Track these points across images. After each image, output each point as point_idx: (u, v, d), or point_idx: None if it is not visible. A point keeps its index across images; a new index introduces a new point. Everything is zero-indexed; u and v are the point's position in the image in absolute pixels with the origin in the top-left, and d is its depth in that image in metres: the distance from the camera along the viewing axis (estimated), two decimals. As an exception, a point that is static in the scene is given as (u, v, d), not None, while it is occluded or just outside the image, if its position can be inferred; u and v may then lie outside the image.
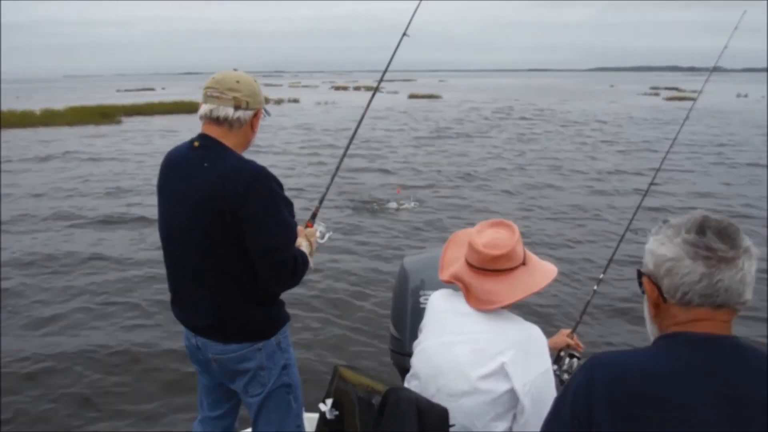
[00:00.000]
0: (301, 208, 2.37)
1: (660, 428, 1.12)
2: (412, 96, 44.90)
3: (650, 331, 1.35)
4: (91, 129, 23.07)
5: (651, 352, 1.25)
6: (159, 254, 2.28)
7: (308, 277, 2.23)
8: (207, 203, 1.98)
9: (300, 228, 2.29)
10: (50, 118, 24.99)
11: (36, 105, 29.98)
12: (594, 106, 35.35)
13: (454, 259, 2.20)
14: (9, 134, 20.59)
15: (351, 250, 7.37)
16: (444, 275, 2.16)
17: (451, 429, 1.83)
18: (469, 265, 2.07)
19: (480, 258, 2.03)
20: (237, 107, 2.04)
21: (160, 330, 5.23)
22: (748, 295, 1.21)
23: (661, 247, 1.25)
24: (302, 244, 2.20)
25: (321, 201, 2.63)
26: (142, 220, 9.00)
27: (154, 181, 2.20)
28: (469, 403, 1.93)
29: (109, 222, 9.03)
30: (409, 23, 3.03)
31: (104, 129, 23.07)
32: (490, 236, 2.06)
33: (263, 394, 2.19)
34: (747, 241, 1.22)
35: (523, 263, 2.06)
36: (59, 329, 5.30)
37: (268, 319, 2.18)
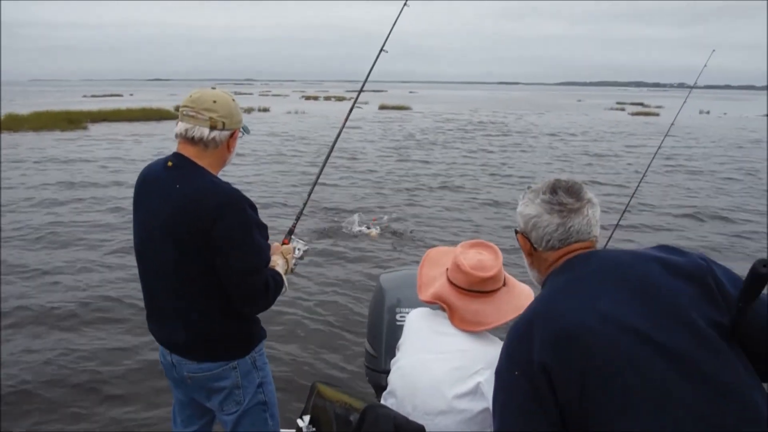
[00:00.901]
0: (268, 216, 2.36)
1: (576, 330, 1.30)
2: (382, 107, 45.00)
3: (532, 276, 1.64)
4: (56, 134, 22.61)
5: (541, 296, 1.50)
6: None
7: (288, 292, 2.23)
8: (178, 225, 1.97)
9: (276, 245, 2.29)
10: (14, 124, 24.41)
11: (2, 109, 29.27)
12: (564, 119, 35.98)
13: (431, 278, 2.22)
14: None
15: (329, 264, 7.35)
16: (424, 295, 2.17)
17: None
18: (454, 285, 2.09)
19: (467, 280, 2.05)
20: (213, 128, 2.02)
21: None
22: (596, 232, 1.54)
23: (526, 208, 1.56)
24: (278, 262, 2.20)
25: (298, 217, 2.63)
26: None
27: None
28: (445, 422, 1.94)
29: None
30: (387, 39, 3.07)
31: (70, 135, 22.64)
32: (475, 258, 2.09)
33: (239, 412, 2.19)
34: (589, 194, 1.54)
35: (504, 284, 2.11)
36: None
37: (243, 337, 2.17)
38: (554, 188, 1.53)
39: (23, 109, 30.64)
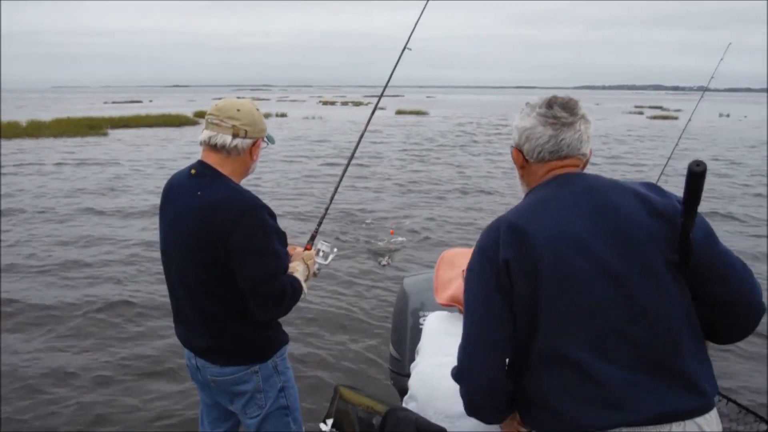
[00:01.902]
0: (287, 221, 2.36)
1: (541, 239, 1.47)
2: (399, 112, 45.00)
3: (522, 190, 1.72)
4: (77, 140, 22.94)
5: (521, 202, 1.63)
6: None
7: (311, 294, 2.24)
8: (199, 232, 2.01)
9: (299, 249, 2.31)
10: (36, 130, 24.81)
11: (23, 116, 29.74)
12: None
13: (447, 280, 2.22)
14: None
15: (351, 270, 7.36)
16: (441, 298, 2.18)
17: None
18: None
19: None
20: (235, 135, 2.07)
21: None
22: (586, 149, 1.62)
23: (522, 121, 1.64)
24: (297, 268, 2.22)
25: (320, 222, 2.65)
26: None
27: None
28: (467, 424, 1.94)
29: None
30: (410, 36, 3.06)
31: (90, 140, 22.96)
32: None
33: (261, 416, 2.21)
34: (583, 111, 1.61)
35: None
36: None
37: (265, 342, 2.20)
38: (550, 103, 1.61)
39: (46, 115, 31.07)
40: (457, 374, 1.63)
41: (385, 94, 3.00)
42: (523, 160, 1.66)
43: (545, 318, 1.47)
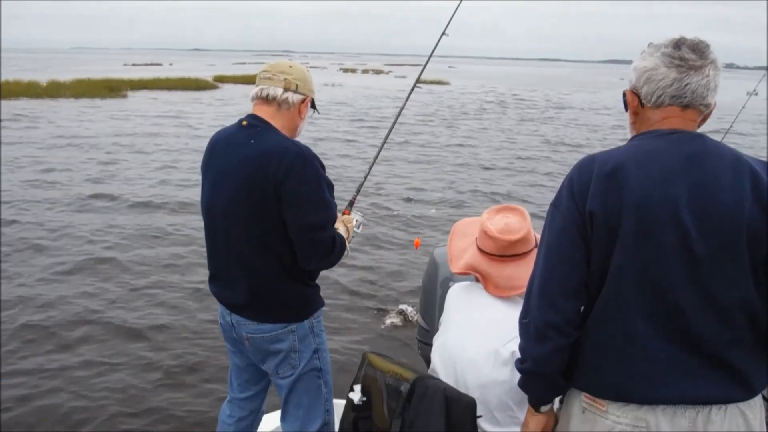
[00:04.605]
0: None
1: (632, 196, 1.37)
2: (420, 81, 44.43)
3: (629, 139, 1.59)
4: (96, 102, 23.02)
5: (623, 146, 1.50)
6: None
7: (339, 264, 2.24)
8: (251, 179, 2.02)
9: (338, 215, 2.30)
10: (56, 90, 24.91)
11: (44, 76, 29.85)
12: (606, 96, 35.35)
13: (461, 249, 2.20)
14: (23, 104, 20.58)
15: (381, 241, 7.37)
16: (456, 267, 2.17)
17: (478, 419, 1.84)
18: (484, 253, 2.07)
19: (496, 245, 2.03)
20: (286, 89, 2.11)
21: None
22: (711, 99, 1.46)
23: (642, 62, 1.49)
24: (339, 228, 2.22)
25: (358, 190, 2.66)
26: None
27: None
28: (488, 395, 1.94)
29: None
30: (449, 22, 3.05)
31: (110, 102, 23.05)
32: (502, 222, 2.07)
33: (294, 377, 2.21)
34: (714, 55, 1.45)
35: (536, 245, 2.07)
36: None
37: (304, 301, 2.20)
38: (678, 43, 1.45)
39: (65, 75, 31.15)
40: (526, 312, 1.55)
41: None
42: (638, 104, 1.52)
43: (613, 276, 1.41)
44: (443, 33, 3.05)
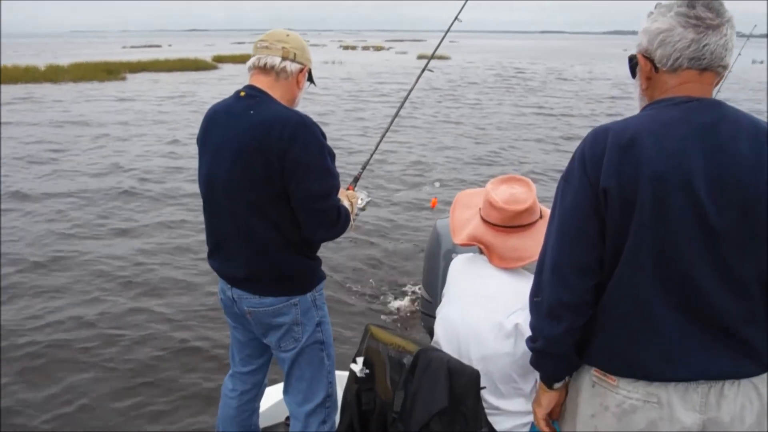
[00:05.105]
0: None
1: (648, 169, 1.32)
2: (421, 56, 44.21)
3: (640, 107, 1.51)
4: (95, 85, 22.94)
5: (637, 116, 1.43)
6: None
7: (341, 237, 2.22)
8: (252, 149, 1.99)
9: (342, 189, 2.27)
10: (54, 74, 24.79)
11: (41, 60, 29.73)
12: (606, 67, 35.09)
13: (464, 220, 2.18)
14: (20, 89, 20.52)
15: (384, 215, 7.39)
16: (458, 238, 2.14)
17: (482, 391, 1.83)
18: (489, 224, 2.04)
19: (501, 215, 2.00)
20: (284, 58, 2.09)
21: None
22: (728, 59, 1.39)
23: (654, 23, 1.40)
24: (344, 203, 2.20)
25: (364, 167, 2.65)
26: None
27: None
28: (491, 368, 1.93)
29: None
30: (462, 8, 3.05)
31: (108, 85, 22.97)
32: (507, 192, 2.04)
33: (296, 350, 2.20)
34: (730, 13, 1.37)
35: (541, 216, 2.05)
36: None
37: (306, 274, 2.18)
38: (692, 2, 1.37)
39: (64, 59, 31.01)
40: (538, 290, 1.50)
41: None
42: (651, 68, 1.43)
43: (629, 252, 1.36)
44: (455, 18, 3.06)
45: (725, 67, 1.40)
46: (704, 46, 1.35)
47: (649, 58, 1.43)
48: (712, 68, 1.39)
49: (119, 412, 3.53)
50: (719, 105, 1.39)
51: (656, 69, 1.42)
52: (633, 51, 1.50)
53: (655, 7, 1.43)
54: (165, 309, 4.86)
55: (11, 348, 4.17)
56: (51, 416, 3.47)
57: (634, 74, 1.51)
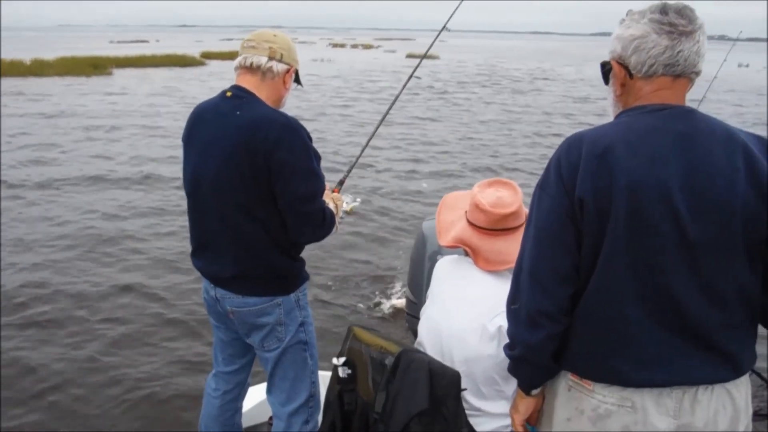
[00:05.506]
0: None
1: (623, 178, 1.31)
2: (410, 56, 44.20)
3: (613, 114, 1.51)
4: (81, 80, 22.74)
5: (612, 124, 1.43)
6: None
7: (326, 238, 2.22)
8: (239, 150, 1.99)
9: (327, 191, 2.27)
10: (40, 69, 24.52)
11: (27, 54, 29.42)
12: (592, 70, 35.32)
13: (450, 222, 2.19)
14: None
15: (369, 216, 7.38)
16: (444, 240, 2.15)
17: (463, 392, 1.84)
18: (475, 226, 2.05)
19: (488, 218, 2.01)
20: (271, 57, 2.09)
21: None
22: (701, 66, 1.41)
23: (628, 29, 1.41)
24: (329, 205, 2.19)
25: (349, 170, 2.65)
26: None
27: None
28: (473, 370, 1.95)
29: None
30: (450, 18, 3.12)
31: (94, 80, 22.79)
32: (494, 195, 2.05)
33: (279, 350, 2.20)
34: (701, 20, 1.39)
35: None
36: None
37: (290, 274, 2.18)
38: (664, 8, 1.38)
39: (50, 54, 30.71)
40: (516, 297, 1.50)
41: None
42: (625, 75, 1.44)
43: (604, 260, 1.36)
44: (444, 27, 3.09)
45: (698, 74, 1.42)
46: (678, 52, 1.37)
47: (624, 65, 1.43)
48: (686, 75, 1.40)
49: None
50: (692, 113, 1.40)
51: (631, 75, 1.43)
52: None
53: (627, 14, 1.44)
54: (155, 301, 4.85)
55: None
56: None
57: (607, 80, 1.51)
